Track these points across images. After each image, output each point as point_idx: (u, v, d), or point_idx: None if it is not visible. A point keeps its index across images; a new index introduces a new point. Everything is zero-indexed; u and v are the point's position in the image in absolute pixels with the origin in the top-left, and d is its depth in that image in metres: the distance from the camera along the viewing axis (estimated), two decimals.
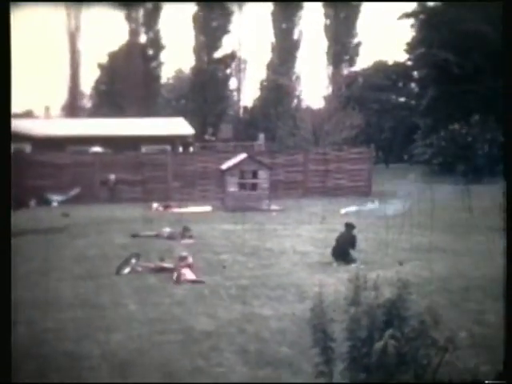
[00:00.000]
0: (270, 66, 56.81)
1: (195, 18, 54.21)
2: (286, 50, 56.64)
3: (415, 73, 50.32)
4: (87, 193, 26.55)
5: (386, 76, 51.79)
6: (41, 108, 57.04)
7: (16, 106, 49.04)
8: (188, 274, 11.22)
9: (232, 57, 57.35)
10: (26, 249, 14.41)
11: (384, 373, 4.74)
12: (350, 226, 13.18)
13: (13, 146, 26.03)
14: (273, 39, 57.25)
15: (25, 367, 6.86)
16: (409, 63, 49.70)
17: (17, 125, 30.38)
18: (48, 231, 17.74)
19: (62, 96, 58.52)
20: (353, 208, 21.72)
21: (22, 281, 11.23)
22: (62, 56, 66.17)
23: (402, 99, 53.76)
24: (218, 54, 56.07)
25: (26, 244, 15.23)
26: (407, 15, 43.96)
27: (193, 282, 10.99)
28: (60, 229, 18.17)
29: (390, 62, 53.06)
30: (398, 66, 51.78)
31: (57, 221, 20.29)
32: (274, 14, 56.54)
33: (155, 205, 23.79)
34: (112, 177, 27.06)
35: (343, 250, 12.69)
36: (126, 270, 11.91)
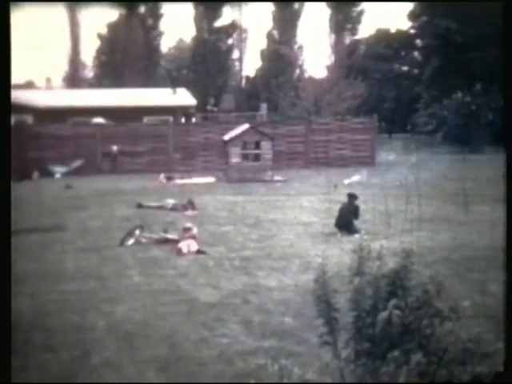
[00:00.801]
0: (271, 36, 56.31)
1: None
2: (287, 19, 56.08)
3: (418, 41, 49.86)
4: (90, 164, 26.55)
5: (388, 45, 51.35)
6: (42, 79, 56.74)
7: (17, 77, 48.82)
8: (192, 245, 11.26)
9: (233, 26, 56.88)
10: (28, 221, 14.47)
11: (388, 343, 4.77)
12: (352, 197, 13.18)
13: (14, 118, 25.97)
14: (274, 8, 56.66)
15: (30, 339, 6.93)
16: (412, 32, 49.24)
17: (18, 96, 30.31)
18: (51, 203, 17.80)
19: (63, 67, 58.12)
20: (356, 178, 21.68)
21: (26, 253, 11.31)
22: (62, 27, 65.57)
23: (405, 68, 53.36)
24: (218, 24, 55.59)
25: (29, 216, 15.28)
26: None
27: (196, 252, 11.03)
28: (62, 200, 18.23)
29: (393, 31, 52.55)
30: (400, 34, 51.28)
31: (60, 192, 20.34)
32: None
33: (161, 176, 23.72)
34: (114, 148, 27.02)
35: (346, 220, 12.71)
36: (130, 242, 11.95)
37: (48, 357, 6.44)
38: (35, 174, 25.68)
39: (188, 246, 11.22)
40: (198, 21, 55.13)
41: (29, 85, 46.91)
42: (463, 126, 35.06)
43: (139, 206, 16.29)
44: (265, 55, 54.65)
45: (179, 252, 11.03)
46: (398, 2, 47.85)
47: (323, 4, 56.78)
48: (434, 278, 4.80)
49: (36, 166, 25.81)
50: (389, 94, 49.56)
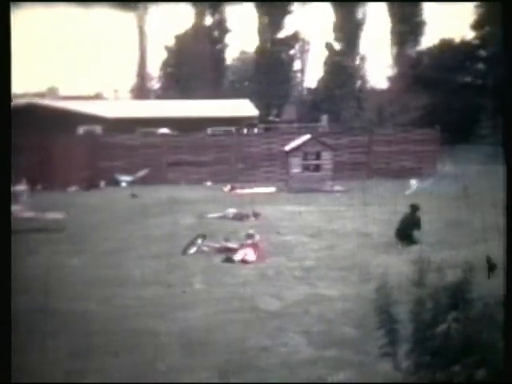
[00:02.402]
0: (331, 47, 56.15)
1: None
2: (349, 30, 55.83)
3: (481, 52, 48.86)
4: (155, 174, 27.07)
5: (452, 55, 50.45)
6: (110, 91, 58.09)
7: (87, 89, 50.27)
8: (249, 255, 11.39)
9: (295, 37, 56.97)
10: (100, 229, 14.93)
11: (448, 356, 4.76)
12: (414, 207, 13.07)
13: (84, 128, 26.67)
14: (336, 19, 56.44)
15: (95, 342, 7.16)
16: (475, 42, 48.30)
17: (87, 107, 31.25)
18: (117, 212, 18.29)
19: (130, 78, 59.44)
20: (414, 187, 21.48)
21: (98, 259, 11.71)
22: (130, 39, 67.16)
23: (468, 79, 52.30)
24: (281, 35, 55.85)
25: (101, 225, 15.77)
26: None
27: (251, 262, 11.14)
28: (128, 208, 18.70)
29: (456, 41, 51.65)
30: (464, 44, 50.34)
31: (125, 201, 20.84)
32: None
33: (227, 187, 24.01)
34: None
35: (407, 231, 12.62)
36: (192, 250, 12.17)
37: (115, 361, 6.66)
38: (102, 183, 26.38)
39: (245, 254, 11.37)
40: (262, 32, 55.53)
41: (98, 96, 48.18)
42: None
43: (201, 217, 16.54)
44: (325, 66, 54.54)
45: (229, 260, 11.22)
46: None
47: (385, 15, 56.27)
48: (494, 291, 4.79)
49: (103, 175, 26.53)
50: (452, 104, 48.66)
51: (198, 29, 54.98)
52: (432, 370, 4.90)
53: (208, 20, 56.54)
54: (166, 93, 52.20)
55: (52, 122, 26.80)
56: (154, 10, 53.04)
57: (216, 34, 56.80)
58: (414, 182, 22.11)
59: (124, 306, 8.60)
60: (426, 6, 55.18)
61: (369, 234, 13.88)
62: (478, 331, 4.74)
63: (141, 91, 55.26)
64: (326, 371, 6.24)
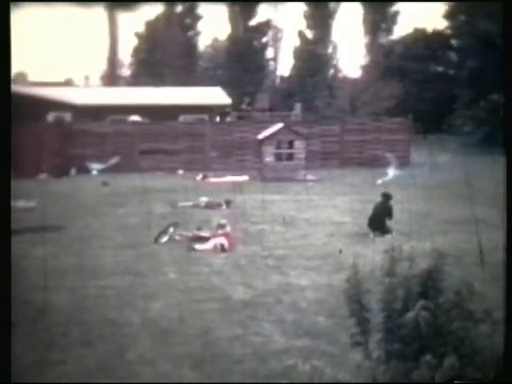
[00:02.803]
0: (304, 35, 56.11)
1: None
2: (322, 18, 55.84)
3: (454, 42, 49.24)
4: (127, 162, 26.86)
5: (425, 45, 50.78)
6: (80, 77, 57.51)
7: (56, 76, 49.54)
8: (221, 244, 11.39)
9: (268, 25, 56.87)
10: (68, 215, 14.75)
11: (419, 344, 4.77)
12: (386, 196, 13.12)
13: (53, 115, 26.26)
14: (308, 7, 56.39)
15: (68, 332, 7.10)
16: (448, 32, 48.64)
17: (57, 93, 30.79)
18: (88, 200, 18.10)
19: (101, 65, 58.82)
20: (389, 176, 21.57)
21: (67, 248, 11.56)
22: (100, 25, 66.44)
23: (441, 69, 52.70)
24: (253, 23, 55.65)
25: (68, 212, 15.58)
26: None
27: (223, 251, 11.14)
28: (99, 196, 18.52)
29: (429, 31, 51.97)
30: (437, 34, 50.68)
31: (96, 189, 20.64)
32: None
33: (199, 176, 23.89)
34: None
35: (379, 220, 12.67)
36: (164, 239, 12.11)
37: (85, 351, 6.60)
38: (73, 171, 26.10)
39: (216, 243, 11.36)
40: (233, 20, 55.30)
41: (68, 83, 47.57)
42: (500, 127, 34.55)
43: (173, 205, 16.46)
44: (298, 54, 54.51)
45: (191, 248, 11.24)
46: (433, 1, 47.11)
47: (358, 3, 56.40)
48: (465, 280, 4.81)
49: (74, 163, 26.24)
50: (425, 94, 49.04)
51: (169, 15, 54.55)
52: (403, 359, 4.90)
53: (179, 6, 56.11)
54: (137, 80, 51.76)
55: (21, 109, 26.36)
56: None
57: (188, 20, 56.42)
58: (389, 171, 22.20)
59: (94, 296, 8.51)
60: None
61: (341, 223, 13.94)
62: (448, 319, 4.75)
63: (112, 78, 54.72)
64: (297, 360, 6.23)
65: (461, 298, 4.75)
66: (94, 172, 26.17)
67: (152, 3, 52.27)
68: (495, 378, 4.56)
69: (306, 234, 12.82)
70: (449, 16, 45.81)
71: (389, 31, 57.44)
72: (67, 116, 30.27)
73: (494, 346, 4.60)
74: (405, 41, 52.43)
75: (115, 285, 9.08)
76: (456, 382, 4.50)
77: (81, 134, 27.05)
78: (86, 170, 26.29)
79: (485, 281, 8.39)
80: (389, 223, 12.79)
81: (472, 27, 40.22)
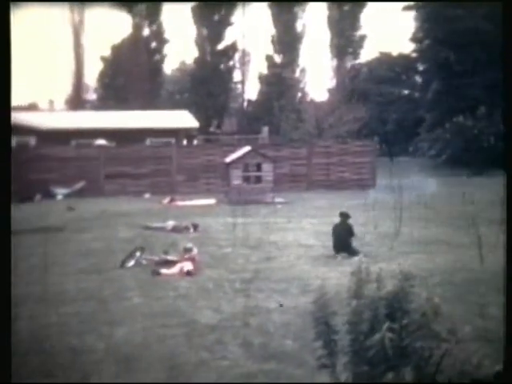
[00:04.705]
0: (271, 59, 56.60)
1: (196, 11, 54.11)
2: (289, 42, 56.43)
3: (419, 65, 50.21)
4: (92, 186, 26.60)
5: (389, 68, 51.64)
6: (45, 101, 57.03)
7: (20, 99, 49.09)
8: (186, 267, 11.28)
9: (234, 48, 57.21)
10: (29, 243, 14.47)
11: (385, 365, 4.76)
12: (344, 216, 13.12)
13: (17, 139, 25.89)
14: (275, 32, 56.96)
15: (28, 362, 6.90)
16: (413, 55, 49.58)
17: (21, 118, 30.44)
18: (52, 226, 17.81)
19: (66, 89, 58.47)
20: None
21: (26, 275, 11.31)
22: (65, 49, 66.10)
23: (406, 92, 53.60)
24: (220, 46, 55.96)
25: (30, 238, 15.29)
26: (409, 7, 44.15)
27: (186, 274, 11.03)
28: (64, 223, 18.23)
29: (395, 54, 52.88)
30: (402, 58, 51.61)
31: (62, 215, 20.35)
32: (276, 6, 56.21)
33: (166, 199, 23.74)
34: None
35: (342, 240, 12.66)
36: (131, 263, 11.96)
37: (46, 381, 6.41)
38: (37, 196, 25.72)
39: (182, 267, 11.25)
40: (200, 43, 55.54)
41: (32, 107, 47.14)
42: (465, 149, 35.15)
43: (145, 228, 16.36)
44: (263, 79, 54.92)
45: (155, 272, 11.11)
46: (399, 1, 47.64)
47: (325, 28, 57.17)
48: (430, 301, 4.81)
49: (38, 188, 25.87)
50: (390, 117, 49.76)
51: (135, 39, 54.59)
52: (370, 381, 4.88)
53: (146, 31, 56.22)
54: (103, 104, 51.54)
55: None
56: (90, 19, 52.34)
57: (154, 44, 56.50)
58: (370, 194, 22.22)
59: (56, 324, 8.31)
60: (365, 19, 56.39)
61: (309, 245, 13.93)
62: (413, 340, 4.75)
63: (77, 102, 54.40)
64: None
65: (427, 318, 4.76)
66: (59, 197, 25.84)
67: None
68: (495, 378, 4.57)
69: (273, 256, 12.77)
70: (415, 40, 46.72)
71: (355, 55, 58.30)
72: (31, 140, 29.94)
73: (457, 364, 4.62)
74: (370, 64, 53.28)
75: (78, 311, 8.90)
76: (456, 382, 4.49)
77: (45, 159, 26.75)
78: (51, 195, 25.94)
79: (449, 300, 8.46)
80: (356, 245, 12.81)
81: (434, 54, 41.15)
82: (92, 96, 61.17)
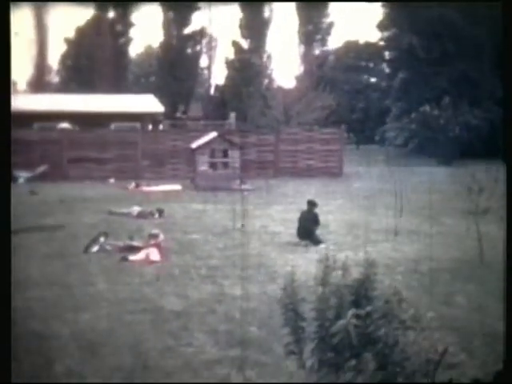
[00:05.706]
0: (238, 45, 56.34)
1: None
2: (256, 28, 56.21)
3: (386, 54, 50.41)
4: (55, 170, 26.19)
5: (357, 56, 51.83)
6: None
7: None
8: (152, 254, 11.18)
9: (201, 33, 56.77)
10: None
11: (349, 352, 4.78)
12: (311, 204, 13.17)
13: None
14: (242, 16, 56.66)
15: None
16: (381, 43, 49.76)
17: None
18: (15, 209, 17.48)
19: (28, 71, 57.31)
20: None
21: None
22: (28, 31, 64.82)
23: (374, 80, 53.88)
24: (187, 31, 55.47)
25: None
26: None
27: (152, 262, 10.93)
28: (27, 206, 17.95)
29: (362, 42, 53.06)
30: (369, 46, 51.80)
31: (24, 198, 20.00)
32: None
33: (131, 185, 23.51)
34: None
35: (307, 228, 12.69)
36: (95, 249, 11.82)
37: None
38: None
39: (147, 254, 11.16)
40: (167, 27, 54.96)
41: None
42: (431, 139, 35.50)
43: (108, 213, 16.17)
44: (230, 64, 54.67)
45: (124, 259, 10.99)
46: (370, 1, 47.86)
47: (293, 14, 57.10)
48: (395, 288, 4.85)
49: None
50: (357, 105, 50.00)
51: (99, 21, 53.74)
52: (335, 367, 4.90)
53: (111, 13, 55.42)
54: (66, 86, 50.69)
55: None
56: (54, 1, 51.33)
57: (119, 27, 55.71)
58: None
59: (20, 309, 8.17)
60: (333, 6, 56.37)
61: (276, 232, 13.94)
62: (377, 327, 4.78)
63: (40, 84, 53.37)
64: (230, 371, 6.16)
65: (391, 305, 4.79)
66: (21, 180, 25.36)
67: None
68: (495, 378, 4.61)
69: (240, 243, 12.74)
70: (382, 27, 46.82)
71: (323, 42, 58.35)
72: None
73: (422, 351, 4.66)
74: (337, 52, 53.40)
75: (42, 296, 8.78)
76: (456, 382, 4.52)
77: None
78: (13, 179, 25.45)
79: (414, 288, 8.56)
80: (322, 233, 12.86)
81: (398, 40, 41.34)
82: (55, 78, 60.13)
